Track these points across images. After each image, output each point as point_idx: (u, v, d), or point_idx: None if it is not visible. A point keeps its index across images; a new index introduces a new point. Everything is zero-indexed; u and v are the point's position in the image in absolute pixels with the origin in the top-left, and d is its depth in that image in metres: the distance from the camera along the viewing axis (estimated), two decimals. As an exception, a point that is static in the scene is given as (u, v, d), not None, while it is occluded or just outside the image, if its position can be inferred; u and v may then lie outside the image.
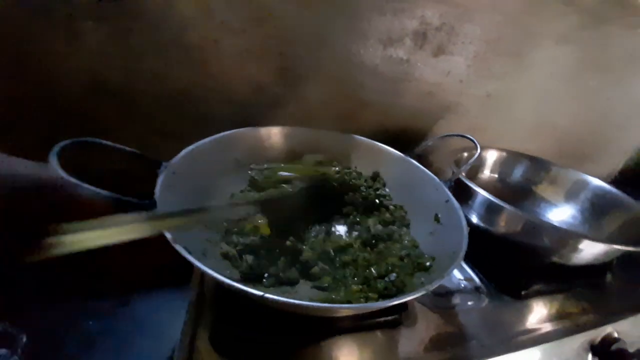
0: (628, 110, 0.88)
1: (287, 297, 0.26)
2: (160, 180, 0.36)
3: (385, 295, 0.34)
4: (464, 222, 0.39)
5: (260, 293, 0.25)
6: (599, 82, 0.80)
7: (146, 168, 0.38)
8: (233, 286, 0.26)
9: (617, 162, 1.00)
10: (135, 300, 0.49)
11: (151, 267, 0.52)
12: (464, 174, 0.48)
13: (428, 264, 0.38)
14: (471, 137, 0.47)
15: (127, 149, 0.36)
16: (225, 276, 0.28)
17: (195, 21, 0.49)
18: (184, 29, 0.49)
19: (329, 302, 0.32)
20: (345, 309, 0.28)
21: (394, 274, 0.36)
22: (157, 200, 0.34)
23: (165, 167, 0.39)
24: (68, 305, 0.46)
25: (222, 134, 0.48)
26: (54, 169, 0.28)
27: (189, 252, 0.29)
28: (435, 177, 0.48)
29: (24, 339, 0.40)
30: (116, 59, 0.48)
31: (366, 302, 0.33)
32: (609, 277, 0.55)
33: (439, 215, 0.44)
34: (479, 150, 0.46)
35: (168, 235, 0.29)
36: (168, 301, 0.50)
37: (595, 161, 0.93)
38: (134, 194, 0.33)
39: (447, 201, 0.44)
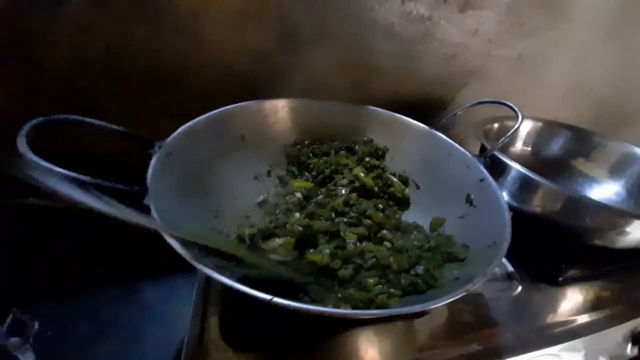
0: (677, 70, 0.78)
1: (297, 302, 0.22)
2: (153, 163, 0.32)
3: (410, 291, 0.30)
4: (505, 205, 0.33)
5: (268, 297, 0.22)
6: (643, 36, 0.70)
7: (137, 149, 0.34)
8: (237, 288, 0.22)
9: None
10: (145, 286, 0.48)
11: (161, 252, 0.50)
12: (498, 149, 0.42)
13: (463, 255, 0.33)
14: (511, 105, 0.40)
15: (114, 127, 0.32)
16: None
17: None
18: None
19: (347, 304, 0.28)
20: (367, 315, 0.25)
21: (421, 267, 0.32)
22: (149, 186, 0.29)
23: (159, 147, 0.34)
24: (79, 292, 0.45)
25: (222, 108, 0.43)
26: (23, 152, 0.24)
27: (186, 246, 0.26)
28: (467, 153, 0.42)
29: (36, 327, 0.39)
30: (99, 30, 0.43)
31: (388, 299, 0.29)
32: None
33: (472, 197, 0.39)
34: (520, 120, 0.39)
35: (162, 228, 0.25)
36: (176, 288, 0.49)
37: (635, 130, 0.85)
38: (123, 179, 0.29)
39: (482, 180, 0.38)
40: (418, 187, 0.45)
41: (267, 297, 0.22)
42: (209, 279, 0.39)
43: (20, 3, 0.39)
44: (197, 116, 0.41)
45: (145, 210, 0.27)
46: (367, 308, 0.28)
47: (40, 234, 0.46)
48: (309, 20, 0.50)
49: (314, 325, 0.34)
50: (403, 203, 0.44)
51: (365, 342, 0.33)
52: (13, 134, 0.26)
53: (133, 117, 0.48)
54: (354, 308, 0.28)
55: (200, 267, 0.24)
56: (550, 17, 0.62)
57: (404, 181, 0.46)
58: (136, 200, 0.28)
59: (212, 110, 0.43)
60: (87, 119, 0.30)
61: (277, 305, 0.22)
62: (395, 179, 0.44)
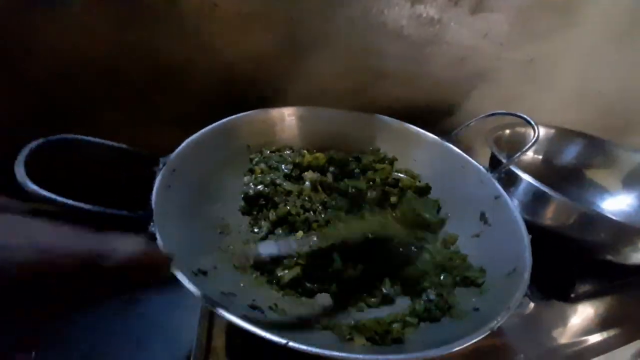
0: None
1: (311, 346, 0.21)
2: (157, 182, 0.31)
3: (425, 318, 0.29)
4: (523, 227, 0.32)
5: (284, 341, 0.21)
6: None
7: (141, 165, 0.32)
8: (250, 330, 0.21)
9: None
10: (148, 299, 0.47)
11: (163, 262, 0.49)
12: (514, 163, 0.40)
13: (480, 280, 0.32)
14: (528, 119, 0.39)
15: (116, 144, 0.30)
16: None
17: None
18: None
19: (361, 335, 0.27)
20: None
21: (432, 291, 0.30)
22: (154, 208, 0.28)
23: (164, 163, 0.33)
24: (80, 306, 0.44)
25: (228, 118, 0.42)
26: (22, 182, 0.22)
27: (192, 271, 0.25)
28: (482, 167, 0.40)
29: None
30: (101, 33, 0.41)
31: (403, 329, 0.28)
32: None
33: (487, 215, 0.37)
34: (536, 133, 0.38)
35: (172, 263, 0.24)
36: (181, 299, 0.48)
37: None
38: (125, 199, 0.27)
39: (497, 197, 0.37)
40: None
41: (283, 341, 0.21)
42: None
43: (20, 3, 0.37)
44: (199, 123, 0.40)
45: (151, 236, 0.26)
46: (383, 340, 0.27)
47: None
48: (316, 25, 0.48)
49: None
50: (422, 191, 0.43)
51: None
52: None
53: (133, 121, 0.46)
54: (368, 339, 0.27)
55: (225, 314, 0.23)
56: (561, 20, 0.60)
57: (413, 177, 0.45)
58: (141, 225, 0.26)
59: (215, 115, 0.42)
60: (87, 138, 0.29)
61: (292, 347, 0.21)
62: (402, 175, 0.44)
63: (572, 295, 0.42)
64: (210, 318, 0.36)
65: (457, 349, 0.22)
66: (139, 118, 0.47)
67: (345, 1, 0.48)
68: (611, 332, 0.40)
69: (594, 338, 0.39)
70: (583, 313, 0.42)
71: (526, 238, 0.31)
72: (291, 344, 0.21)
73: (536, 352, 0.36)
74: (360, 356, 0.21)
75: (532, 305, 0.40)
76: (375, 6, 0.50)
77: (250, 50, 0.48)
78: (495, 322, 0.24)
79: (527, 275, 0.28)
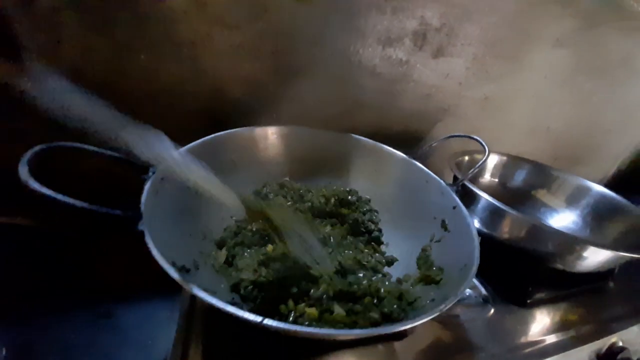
0: (620, 115, 0.89)
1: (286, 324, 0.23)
2: (147, 188, 0.33)
3: (389, 318, 0.32)
4: (474, 231, 0.37)
5: (259, 319, 0.23)
6: (592, 85, 0.80)
7: (131, 173, 0.35)
8: (227, 310, 0.23)
9: (609, 166, 1.02)
10: (119, 311, 0.46)
11: (136, 275, 0.49)
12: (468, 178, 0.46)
13: (438, 278, 0.36)
14: (479, 139, 0.45)
15: (109, 152, 0.33)
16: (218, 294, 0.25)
17: (188, 15, 0.46)
18: (176, 22, 0.46)
19: (332, 325, 0.29)
20: (351, 335, 0.26)
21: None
22: (143, 211, 0.30)
23: (153, 172, 0.35)
24: (49, 316, 0.43)
25: (215, 135, 0.45)
26: (25, 180, 0.25)
27: (176, 266, 0.27)
28: (442, 181, 0.46)
29: (4, 352, 0.38)
30: (99, 54, 0.45)
31: (369, 321, 0.31)
32: (611, 284, 0.55)
33: (447, 222, 0.42)
34: (487, 153, 0.44)
35: (153, 250, 0.26)
36: (155, 312, 0.47)
37: (588, 165, 0.94)
38: (116, 201, 0.30)
39: (454, 207, 0.42)
40: None
41: (257, 319, 0.23)
42: (192, 303, 0.39)
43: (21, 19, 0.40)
44: (189, 140, 0.43)
45: (140, 235, 0.28)
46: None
47: (7, 253, 0.44)
48: (300, 57, 0.54)
49: (297, 349, 0.34)
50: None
51: None
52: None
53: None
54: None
55: (187, 286, 0.25)
56: (511, 66, 0.70)
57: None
58: (130, 224, 0.29)
59: (202, 134, 0.45)
60: (84, 146, 0.31)
61: (267, 327, 0.23)
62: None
63: (529, 301, 0.46)
64: (187, 330, 0.36)
65: (410, 326, 0.25)
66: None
67: (326, 39, 0.54)
68: (566, 335, 0.43)
69: (551, 339, 0.42)
70: (539, 317, 0.45)
71: (476, 240, 0.36)
72: (266, 321, 0.23)
73: (497, 350, 0.39)
74: (328, 331, 0.24)
75: (492, 310, 0.44)
76: (352, 45, 0.57)
77: (239, 75, 0.53)
78: (444, 305, 0.27)
79: (474, 269, 0.32)
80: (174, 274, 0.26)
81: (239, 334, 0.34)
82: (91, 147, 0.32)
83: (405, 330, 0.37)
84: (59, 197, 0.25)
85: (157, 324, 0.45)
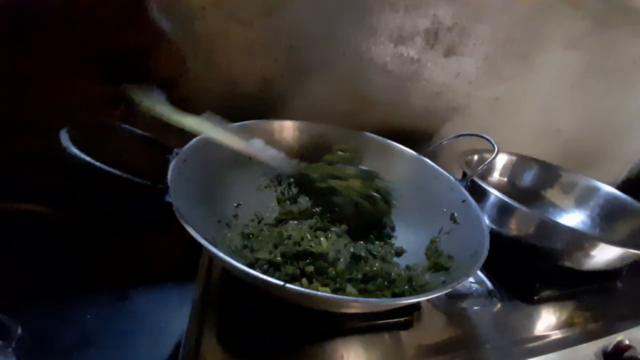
0: (630, 118, 0.88)
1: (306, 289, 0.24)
2: (171, 166, 0.35)
3: (399, 294, 0.33)
4: (484, 221, 0.38)
5: (281, 283, 0.24)
6: (602, 88, 0.80)
7: (157, 153, 0.36)
8: (252, 275, 0.24)
9: (619, 170, 1.01)
10: (135, 294, 0.48)
11: (152, 260, 0.51)
12: (477, 175, 0.47)
13: (448, 265, 0.37)
14: (489, 138, 0.46)
15: (139, 132, 0.35)
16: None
17: (205, 11, 0.48)
18: (193, 18, 0.48)
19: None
20: (367, 304, 0.27)
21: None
22: (169, 185, 0.32)
23: (177, 153, 0.37)
24: (66, 298, 0.45)
25: (234, 124, 0.46)
26: (67, 147, 0.26)
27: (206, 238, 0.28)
28: (451, 177, 0.46)
29: (19, 331, 0.39)
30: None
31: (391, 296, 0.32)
32: (619, 284, 0.55)
33: (456, 215, 0.43)
34: (496, 151, 0.45)
35: (181, 218, 0.27)
36: (168, 296, 0.49)
37: (598, 168, 0.94)
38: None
39: (464, 201, 0.43)
40: None
41: (280, 283, 0.24)
42: (206, 288, 0.40)
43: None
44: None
45: (168, 205, 0.30)
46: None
47: (28, 239, 0.46)
48: (313, 55, 0.55)
49: (308, 332, 0.35)
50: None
51: (354, 354, 0.35)
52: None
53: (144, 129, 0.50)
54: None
55: (215, 252, 0.26)
56: (522, 67, 0.70)
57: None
58: (159, 195, 0.30)
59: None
60: (118, 124, 0.33)
61: (289, 290, 0.24)
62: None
63: (535, 298, 0.46)
64: (201, 315, 0.36)
65: (423, 299, 0.26)
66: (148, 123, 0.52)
67: (338, 36, 0.56)
68: (571, 332, 0.44)
69: (555, 335, 0.42)
70: (545, 314, 0.45)
71: (486, 229, 0.36)
72: (288, 285, 0.24)
73: (502, 343, 0.39)
74: (351, 298, 0.25)
75: (499, 305, 0.44)
76: (364, 43, 0.58)
77: (253, 70, 0.54)
78: (455, 282, 0.28)
79: (485, 253, 0.32)
80: (201, 240, 0.27)
81: (252, 317, 0.35)
82: (125, 126, 0.34)
83: (412, 320, 0.38)
84: (97, 164, 0.27)
85: (170, 308, 0.47)
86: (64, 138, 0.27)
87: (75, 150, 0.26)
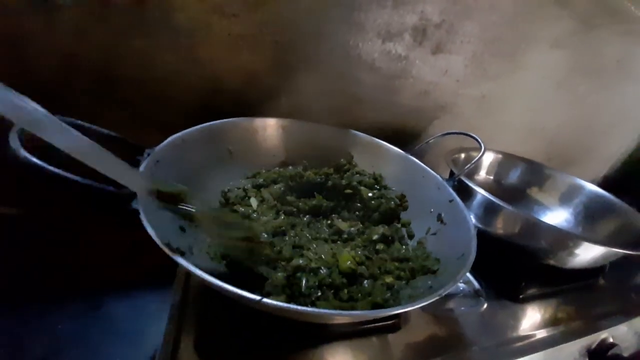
0: (613, 117, 0.90)
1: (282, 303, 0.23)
2: (141, 169, 0.33)
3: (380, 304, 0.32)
4: (471, 223, 0.37)
5: (257, 297, 0.22)
6: (587, 87, 0.81)
7: (126, 154, 0.34)
8: (226, 289, 0.23)
9: (601, 167, 1.03)
10: (109, 302, 0.46)
11: (127, 266, 0.48)
12: (464, 174, 0.46)
13: (435, 267, 0.36)
14: (475, 137, 0.46)
15: (104, 130, 0.32)
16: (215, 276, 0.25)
17: (186, 2, 0.46)
18: (173, 9, 0.45)
19: (329, 308, 0.29)
20: (349, 316, 0.26)
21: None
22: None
23: (149, 154, 0.35)
24: (36, 306, 0.43)
25: (213, 122, 0.45)
26: (15, 149, 0.23)
27: (171, 247, 0.26)
28: (438, 176, 0.46)
29: None
30: (95, 38, 0.44)
31: (371, 307, 0.31)
32: (601, 281, 0.56)
33: (443, 215, 0.42)
34: (483, 150, 0.45)
35: (151, 231, 0.26)
36: (145, 304, 0.47)
37: (580, 166, 0.96)
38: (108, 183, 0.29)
39: (451, 201, 0.42)
40: None
41: (256, 297, 0.22)
42: (184, 295, 0.38)
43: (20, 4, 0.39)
44: (182, 127, 0.42)
45: (134, 213, 0.27)
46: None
47: None
48: (300, 50, 0.54)
49: (291, 339, 0.34)
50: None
51: (341, 358, 0.34)
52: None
53: (119, 126, 0.48)
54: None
55: (187, 266, 0.24)
56: (508, 65, 0.70)
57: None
58: (124, 202, 0.28)
59: (201, 122, 0.44)
60: (79, 122, 0.31)
61: (266, 305, 0.22)
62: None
63: (521, 296, 0.46)
64: (178, 322, 0.35)
65: (409, 309, 0.25)
66: (125, 121, 0.49)
67: (326, 32, 0.54)
68: (557, 330, 0.44)
69: (541, 334, 0.43)
70: (531, 312, 0.46)
71: (473, 230, 0.36)
72: (265, 300, 0.22)
73: (489, 343, 0.39)
74: (330, 311, 0.23)
75: (485, 304, 0.44)
76: (351, 39, 0.57)
77: (237, 66, 0.52)
78: (443, 290, 0.27)
79: (472, 257, 0.32)
80: (168, 252, 0.25)
81: (231, 326, 0.34)
82: (87, 124, 0.31)
83: (399, 322, 0.37)
84: (50, 169, 0.24)
85: (147, 316, 0.45)
86: (13, 141, 0.23)
87: (25, 154, 0.23)
